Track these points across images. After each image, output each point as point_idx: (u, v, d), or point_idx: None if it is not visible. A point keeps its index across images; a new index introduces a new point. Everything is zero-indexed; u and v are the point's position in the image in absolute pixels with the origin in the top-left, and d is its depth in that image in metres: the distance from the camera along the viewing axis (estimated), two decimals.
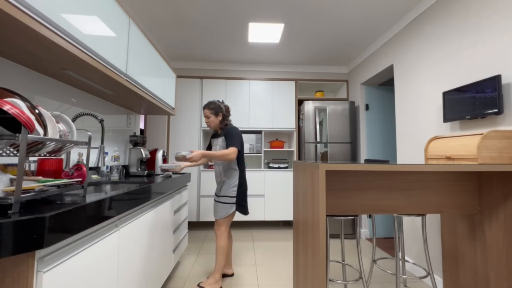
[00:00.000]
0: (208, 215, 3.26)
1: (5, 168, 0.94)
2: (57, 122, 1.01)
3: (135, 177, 1.98)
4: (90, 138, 1.05)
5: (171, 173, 2.13)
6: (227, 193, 1.87)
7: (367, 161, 1.53)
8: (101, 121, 1.54)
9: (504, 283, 1.35)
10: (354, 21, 2.45)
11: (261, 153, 3.44)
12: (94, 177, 1.61)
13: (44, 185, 0.87)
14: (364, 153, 3.13)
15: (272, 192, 3.32)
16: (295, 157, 3.47)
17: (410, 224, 2.21)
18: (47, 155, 0.98)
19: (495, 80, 1.45)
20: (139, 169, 2.15)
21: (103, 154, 1.68)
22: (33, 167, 1.13)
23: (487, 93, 1.50)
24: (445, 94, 1.80)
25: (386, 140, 3.13)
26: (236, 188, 1.89)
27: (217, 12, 2.31)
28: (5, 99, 0.76)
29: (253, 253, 2.55)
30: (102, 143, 1.59)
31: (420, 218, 1.98)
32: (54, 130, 0.91)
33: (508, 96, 1.46)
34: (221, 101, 2.07)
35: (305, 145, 3.18)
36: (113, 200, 1.03)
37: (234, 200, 1.87)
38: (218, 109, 1.97)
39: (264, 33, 2.66)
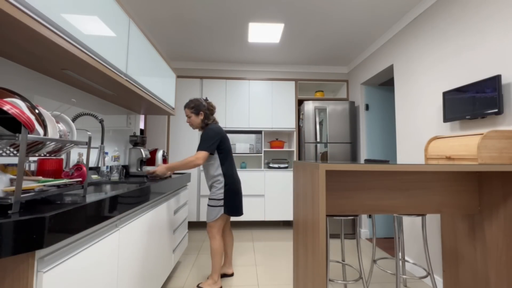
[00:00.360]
0: None
1: (5, 168, 0.94)
2: (57, 122, 1.01)
3: (135, 177, 1.98)
4: (90, 138, 1.05)
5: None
6: (214, 196, 1.82)
7: (367, 161, 1.53)
8: (101, 121, 1.54)
9: (504, 283, 1.35)
10: (354, 21, 2.45)
11: (261, 153, 3.44)
12: (94, 177, 1.61)
13: (44, 185, 0.87)
14: (364, 153, 3.13)
15: (272, 192, 3.32)
16: (295, 157, 3.47)
17: (410, 224, 2.21)
18: (47, 155, 0.98)
19: (495, 80, 1.45)
20: (139, 169, 2.15)
21: (103, 154, 1.68)
22: (33, 167, 1.13)
23: (487, 93, 1.50)
24: (445, 94, 1.80)
25: (386, 140, 3.13)
26: (222, 191, 1.82)
27: (217, 12, 2.31)
28: (5, 99, 0.76)
29: (253, 253, 2.55)
30: (102, 143, 1.60)
31: (420, 218, 1.98)
32: (54, 130, 0.91)
33: (508, 96, 1.46)
34: (205, 98, 1.97)
35: (305, 145, 3.18)
36: (113, 200, 1.03)
37: (221, 202, 1.81)
38: (199, 108, 1.89)
39: (264, 33, 2.66)
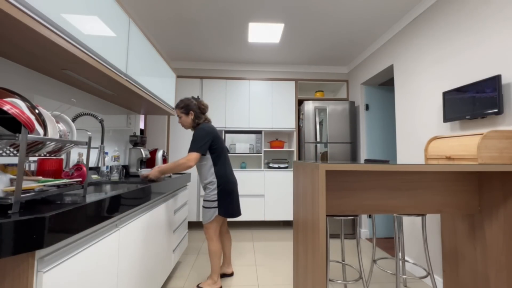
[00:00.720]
0: None
1: (5, 168, 0.94)
2: (57, 122, 1.01)
3: (135, 177, 1.98)
4: (90, 138, 1.05)
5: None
6: (208, 197, 1.79)
7: (367, 161, 1.53)
8: (101, 121, 1.54)
9: (504, 283, 1.35)
10: (354, 21, 2.45)
11: (261, 153, 3.44)
12: (94, 177, 1.61)
13: (44, 185, 0.87)
14: (364, 153, 3.13)
15: (272, 192, 3.32)
16: (295, 157, 3.47)
17: (410, 224, 2.21)
18: (47, 155, 0.98)
19: (495, 80, 1.45)
20: (139, 169, 2.15)
21: (103, 154, 1.68)
22: (33, 167, 1.13)
23: (487, 93, 1.50)
24: (445, 94, 1.80)
25: (386, 140, 3.13)
26: (216, 192, 1.77)
27: (217, 12, 2.31)
28: (5, 99, 0.76)
29: (253, 253, 2.55)
30: (102, 143, 1.60)
31: (420, 218, 1.98)
32: (54, 130, 0.91)
33: (508, 96, 1.46)
34: (196, 97, 1.93)
35: (305, 145, 3.18)
36: (113, 200, 1.03)
37: (215, 204, 1.77)
38: (188, 107, 1.84)
39: (264, 33, 2.66)
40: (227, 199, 1.80)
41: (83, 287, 0.86)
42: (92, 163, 1.71)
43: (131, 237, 1.21)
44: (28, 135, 0.76)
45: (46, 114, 0.89)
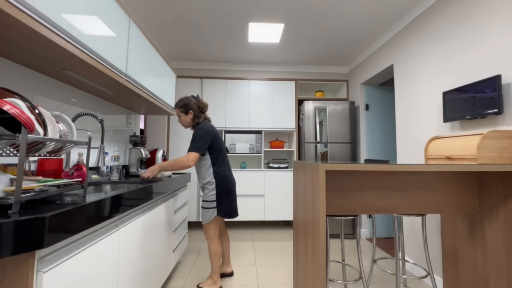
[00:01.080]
0: None
1: (5, 168, 0.94)
2: (57, 122, 1.01)
3: (135, 177, 1.98)
4: (90, 138, 1.05)
5: (169, 173, 2.08)
6: (207, 198, 1.78)
7: (367, 161, 1.53)
8: (101, 121, 1.54)
9: (504, 283, 1.35)
10: (354, 21, 2.45)
11: (261, 153, 3.44)
12: (94, 177, 1.61)
13: (44, 185, 0.87)
14: (364, 153, 3.13)
15: (272, 192, 3.32)
16: (295, 157, 3.47)
17: (410, 224, 2.21)
18: (47, 155, 0.98)
19: (495, 80, 1.45)
20: (139, 169, 2.15)
21: (103, 154, 1.68)
22: (33, 167, 1.13)
23: (487, 93, 1.50)
24: (445, 94, 1.80)
25: (386, 140, 3.13)
26: (214, 192, 1.77)
27: (217, 12, 2.31)
28: (5, 99, 0.76)
29: (253, 253, 2.55)
30: (102, 143, 1.60)
31: (420, 218, 1.98)
32: (54, 130, 0.91)
33: (508, 96, 1.46)
34: (196, 95, 1.91)
35: (305, 145, 3.18)
36: (113, 200, 1.03)
37: (214, 204, 1.76)
38: (187, 106, 1.83)
39: (264, 33, 2.66)
40: (226, 199, 1.80)
41: (83, 287, 0.86)
42: (92, 163, 1.71)
43: (131, 237, 1.21)
44: (28, 135, 0.76)
45: (46, 114, 0.89)
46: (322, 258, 1.14)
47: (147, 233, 1.41)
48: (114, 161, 1.91)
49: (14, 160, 1.13)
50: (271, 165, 3.44)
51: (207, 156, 1.81)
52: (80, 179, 1.02)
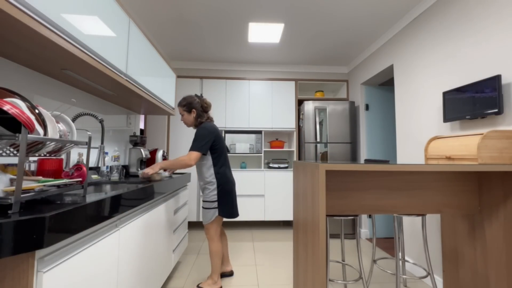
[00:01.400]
0: None
1: (5, 168, 0.94)
2: (57, 122, 1.01)
3: (135, 177, 1.98)
4: (90, 138, 1.05)
5: (167, 174, 2.05)
6: (208, 198, 1.78)
7: (367, 161, 1.53)
8: (101, 121, 1.54)
9: (504, 283, 1.35)
10: (354, 21, 2.45)
11: (261, 153, 3.44)
12: (94, 177, 1.61)
13: (44, 185, 0.87)
14: (364, 153, 3.13)
15: (272, 192, 3.32)
16: (295, 157, 3.47)
17: (410, 224, 2.21)
18: (47, 155, 0.98)
19: (495, 80, 1.45)
20: (139, 169, 2.15)
21: (103, 154, 1.68)
22: (33, 167, 1.13)
23: (487, 93, 1.50)
24: (445, 94, 1.80)
25: (386, 140, 3.13)
26: (215, 192, 1.77)
27: (217, 12, 2.31)
28: (5, 99, 0.76)
29: (253, 253, 2.55)
30: (102, 143, 1.60)
31: (420, 218, 1.98)
32: (54, 130, 0.91)
33: (508, 96, 1.46)
34: (199, 95, 1.92)
35: (305, 145, 3.18)
36: (113, 200, 1.03)
37: (215, 204, 1.76)
38: (191, 105, 1.83)
39: (264, 33, 2.66)
40: (227, 199, 1.80)
41: (83, 287, 0.86)
42: (92, 163, 1.71)
43: (131, 237, 1.21)
44: (28, 135, 0.76)
45: (46, 114, 0.89)
46: (322, 258, 1.14)
47: (147, 233, 1.41)
48: (114, 161, 1.91)
49: (14, 160, 1.13)
50: (271, 165, 3.44)
51: (209, 156, 1.81)
52: (80, 179, 1.02)
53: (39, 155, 0.94)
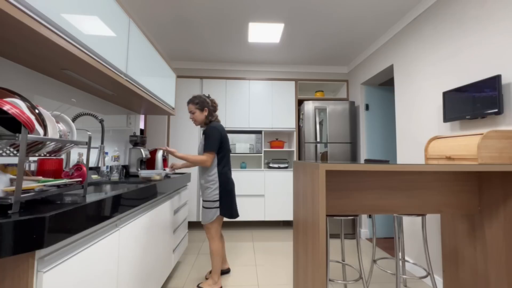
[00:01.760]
0: None
1: (5, 168, 0.94)
2: (57, 122, 1.01)
3: (135, 177, 1.98)
4: (90, 138, 1.05)
5: (169, 172, 2.04)
6: (209, 198, 1.78)
7: (367, 161, 1.53)
8: (101, 121, 1.54)
9: (504, 283, 1.35)
10: (354, 21, 2.45)
11: (261, 153, 3.44)
12: (94, 177, 1.61)
13: (44, 185, 0.87)
14: (364, 153, 3.13)
15: (272, 192, 3.32)
16: (295, 157, 3.47)
17: (410, 224, 2.21)
18: (47, 155, 0.98)
19: (495, 80, 1.45)
20: (139, 169, 2.15)
21: (103, 154, 1.68)
22: (33, 167, 1.13)
23: (487, 93, 1.50)
24: (445, 94, 1.80)
25: (386, 140, 3.13)
26: (217, 191, 1.78)
27: (217, 12, 2.31)
28: (5, 99, 0.76)
29: (253, 253, 2.55)
30: (102, 143, 1.60)
31: (420, 218, 1.98)
32: (54, 130, 0.91)
33: (508, 96, 1.46)
34: (207, 95, 1.96)
35: (305, 145, 3.18)
36: (113, 200, 1.03)
37: (216, 204, 1.77)
38: (203, 104, 1.87)
39: (264, 33, 2.66)
40: (228, 199, 1.82)
41: (83, 287, 0.86)
42: (92, 163, 1.71)
43: (131, 237, 1.21)
44: (28, 135, 0.76)
45: (46, 114, 0.89)
46: (322, 258, 1.14)
47: (147, 233, 1.41)
48: (114, 161, 1.91)
49: (14, 160, 1.13)
50: (271, 165, 3.44)
51: (215, 156, 1.84)
52: (80, 179, 1.02)
53: (39, 155, 0.94)
